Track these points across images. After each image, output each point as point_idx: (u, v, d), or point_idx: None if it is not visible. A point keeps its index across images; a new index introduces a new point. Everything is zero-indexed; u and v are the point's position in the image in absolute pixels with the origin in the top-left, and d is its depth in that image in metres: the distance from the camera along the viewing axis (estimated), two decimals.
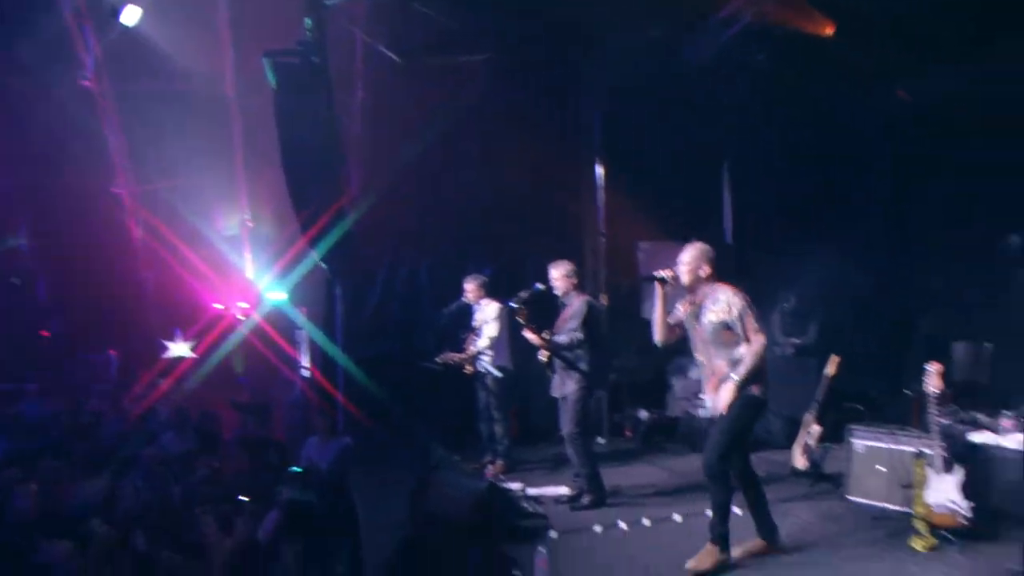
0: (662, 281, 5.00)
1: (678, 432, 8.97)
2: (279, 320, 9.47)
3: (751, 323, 4.84)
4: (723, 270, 5.10)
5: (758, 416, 5.04)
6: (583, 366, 6.24)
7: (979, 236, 7.82)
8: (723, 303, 4.89)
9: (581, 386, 6.21)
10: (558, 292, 6.42)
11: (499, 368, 7.50)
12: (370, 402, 8.27)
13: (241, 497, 5.40)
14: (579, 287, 6.50)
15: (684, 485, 7.06)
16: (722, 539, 4.95)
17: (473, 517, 5.19)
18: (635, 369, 9.63)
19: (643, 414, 9.27)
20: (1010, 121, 8.14)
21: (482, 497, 5.42)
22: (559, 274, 6.39)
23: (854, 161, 10.00)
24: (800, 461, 6.63)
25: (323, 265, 8.24)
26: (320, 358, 8.94)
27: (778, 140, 9.78)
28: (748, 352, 4.80)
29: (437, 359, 7.54)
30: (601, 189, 9.79)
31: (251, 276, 10.20)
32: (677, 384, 9.38)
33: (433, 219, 9.19)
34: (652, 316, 5.06)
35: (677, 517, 6.07)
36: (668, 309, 5.07)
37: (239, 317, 9.91)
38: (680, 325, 5.12)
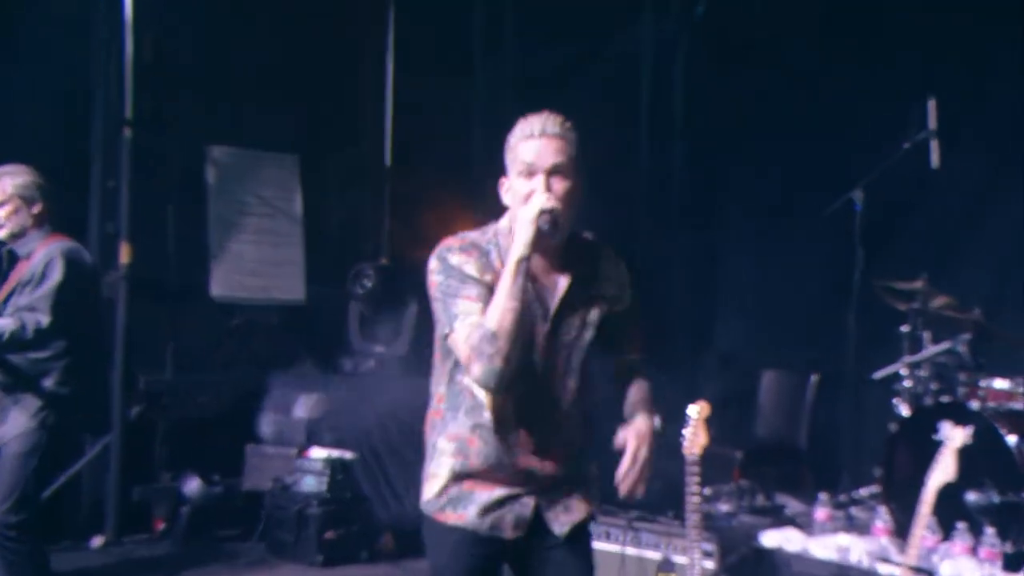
0: (550, 222, 2.24)
1: (261, 520, 5.80)
2: None
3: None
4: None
5: None
6: (49, 383, 3.95)
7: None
8: (617, 276, 2.42)
9: (38, 424, 3.91)
10: (1, 233, 4.11)
11: None
12: None
13: None
14: (48, 223, 3.99)
15: None
16: None
17: None
18: (184, 395, 6.14)
19: (192, 485, 5.90)
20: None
21: None
22: (2, 194, 4.03)
23: None
24: None
25: None
26: None
27: None
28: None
29: None
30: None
31: None
32: (268, 427, 6.01)
33: None
34: (504, 301, 2.22)
35: None
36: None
37: None
38: None
